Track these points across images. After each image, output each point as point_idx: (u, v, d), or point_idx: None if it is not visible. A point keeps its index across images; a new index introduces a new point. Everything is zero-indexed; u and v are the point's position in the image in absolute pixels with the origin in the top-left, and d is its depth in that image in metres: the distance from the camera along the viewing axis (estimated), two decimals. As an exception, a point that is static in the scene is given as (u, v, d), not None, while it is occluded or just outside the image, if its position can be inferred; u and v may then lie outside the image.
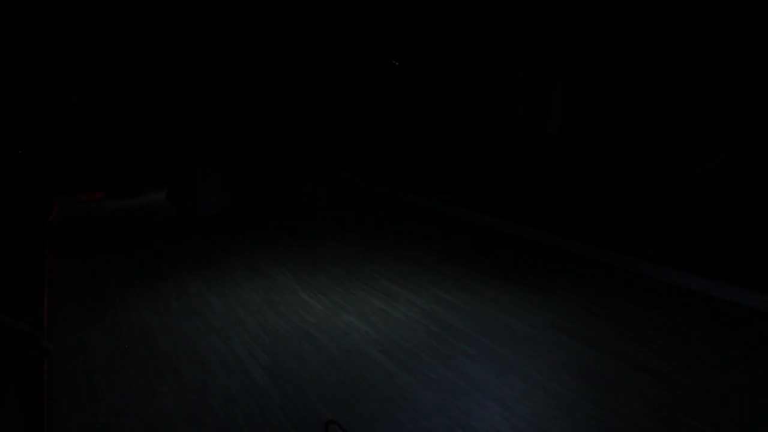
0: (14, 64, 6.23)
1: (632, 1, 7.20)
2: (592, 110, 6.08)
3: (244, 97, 7.48)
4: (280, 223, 7.08)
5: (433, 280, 5.10)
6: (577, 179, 6.12)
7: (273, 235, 6.56)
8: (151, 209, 8.07)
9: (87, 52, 7.53)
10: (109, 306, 4.68)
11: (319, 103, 7.82)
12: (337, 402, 3.24)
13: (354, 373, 3.55)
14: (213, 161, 6.48)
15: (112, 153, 6.85)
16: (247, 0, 8.93)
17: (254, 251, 5.99)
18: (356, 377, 3.50)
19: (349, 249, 6.04)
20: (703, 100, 5.06)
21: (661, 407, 3.13)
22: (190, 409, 3.22)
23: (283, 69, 8.06)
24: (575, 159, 6.06)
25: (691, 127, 5.08)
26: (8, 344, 2.94)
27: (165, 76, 7.35)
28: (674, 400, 3.19)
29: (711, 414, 3.06)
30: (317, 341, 3.99)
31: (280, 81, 7.92)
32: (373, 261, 5.63)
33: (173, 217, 7.05)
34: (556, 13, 8.00)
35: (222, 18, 8.70)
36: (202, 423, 3.09)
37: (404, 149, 8.49)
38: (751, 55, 5.10)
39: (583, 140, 6.05)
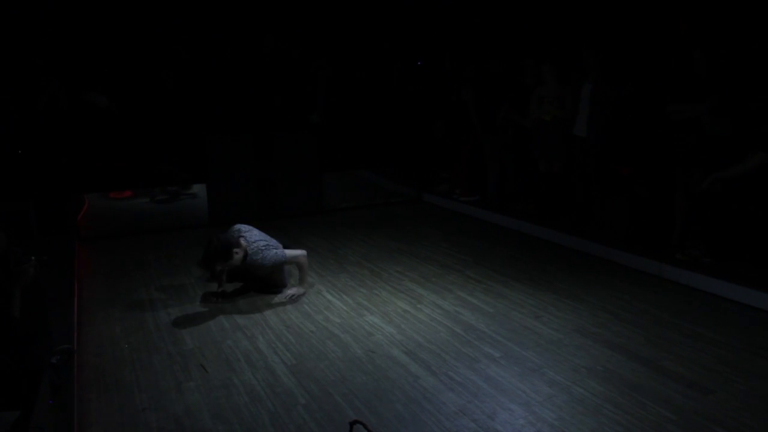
0: (51, 69, 6.37)
1: (662, 1, 7.11)
2: (620, 112, 6.00)
3: (269, 98, 7.54)
4: (304, 223, 7.13)
5: (457, 282, 5.09)
6: (605, 182, 6.04)
7: (297, 235, 6.59)
8: (178, 208, 8.18)
9: (114, 54, 7.68)
10: (137, 303, 4.76)
11: (343, 104, 7.85)
12: (361, 402, 3.25)
13: (378, 374, 3.55)
14: None
15: (140, 152, 6.95)
16: (272, 4, 9.03)
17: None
18: (380, 378, 3.51)
19: (373, 250, 6.05)
20: (735, 101, 4.96)
21: (689, 415, 3.07)
22: (215, 405, 3.26)
23: (306, 69, 8.10)
24: (603, 162, 5.99)
25: (723, 129, 4.99)
26: (42, 339, 3.01)
27: (192, 79, 7.44)
28: (703, 408, 3.13)
29: (741, 423, 3.00)
30: (341, 341, 4.00)
31: (304, 81, 7.97)
32: (397, 262, 5.64)
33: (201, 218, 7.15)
34: (584, 13, 7.92)
35: (246, 19, 8.80)
36: (227, 419, 3.12)
37: (428, 151, 8.48)
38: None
39: (611, 143, 5.97)
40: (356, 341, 4.00)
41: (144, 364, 3.74)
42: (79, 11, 7.99)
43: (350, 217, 7.43)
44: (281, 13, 9.06)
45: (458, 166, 7.83)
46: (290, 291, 4.83)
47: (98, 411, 3.22)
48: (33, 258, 2.88)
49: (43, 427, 1.92)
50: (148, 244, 6.38)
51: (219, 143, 7.07)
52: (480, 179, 7.66)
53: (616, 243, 5.67)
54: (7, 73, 6.53)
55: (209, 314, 4.51)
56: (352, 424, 2.89)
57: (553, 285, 4.98)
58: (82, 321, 4.39)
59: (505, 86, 6.95)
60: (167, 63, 7.38)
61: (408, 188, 8.61)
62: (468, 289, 4.93)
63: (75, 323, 4.21)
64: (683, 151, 5.24)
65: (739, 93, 4.93)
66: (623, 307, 4.50)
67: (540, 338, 3.99)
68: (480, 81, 7.42)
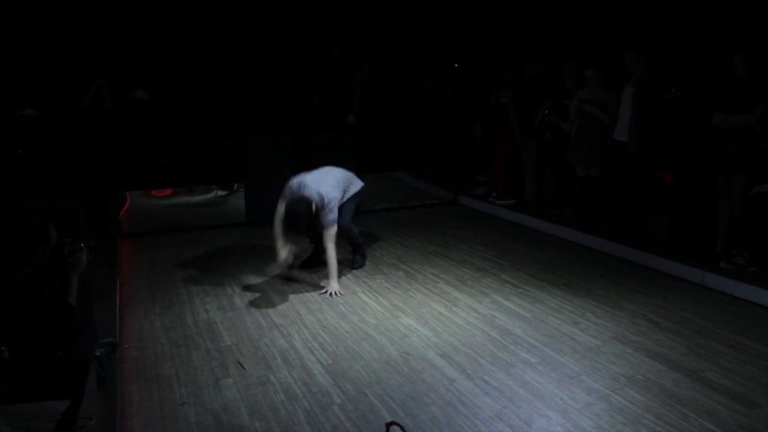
0: (99, 68, 6.52)
1: (707, 4, 6.95)
2: (664, 118, 5.88)
3: (307, 98, 7.60)
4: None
5: (493, 286, 5.05)
6: (645, 187, 5.92)
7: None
8: (217, 206, 8.32)
9: (156, 55, 7.85)
10: (176, 299, 4.85)
11: (381, 106, 7.86)
12: (396, 404, 3.25)
13: (413, 376, 3.55)
14: None
15: (180, 151, 7.07)
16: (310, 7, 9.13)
17: (315, 251, 6.07)
18: (415, 380, 3.51)
19: (408, 252, 6.04)
20: None
21: (734, 429, 2.99)
22: (252, 402, 3.30)
23: (345, 70, 8.15)
24: (643, 167, 5.87)
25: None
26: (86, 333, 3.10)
27: (231, 80, 7.55)
28: (749, 423, 3.04)
29: (789, 438, 2.91)
30: (376, 342, 4.01)
31: (342, 82, 8.02)
32: (433, 265, 5.62)
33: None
34: (629, 17, 7.79)
35: (285, 21, 8.90)
36: (263, 416, 3.16)
37: (465, 153, 8.43)
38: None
39: (653, 148, 5.85)
40: (391, 343, 4.01)
41: (183, 360, 3.81)
42: (122, 13, 8.22)
43: (386, 219, 7.43)
44: (320, 15, 9.14)
45: (496, 169, 7.78)
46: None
47: (139, 404, 3.29)
48: (83, 245, 2.97)
49: (91, 416, 1.99)
50: (187, 242, 6.49)
51: (257, 143, 7.15)
52: (517, 183, 7.59)
53: (657, 250, 5.55)
54: (54, 75, 6.73)
55: (246, 312, 4.57)
56: (389, 425, 2.89)
57: (591, 291, 4.90)
58: (123, 315, 4.50)
59: (544, 89, 6.87)
60: (207, 64, 7.51)
61: (444, 191, 8.58)
62: (504, 293, 4.88)
63: (117, 317, 4.32)
64: (727, 158, 5.11)
65: None
66: (664, 316, 4.40)
67: (578, 345, 3.94)
68: (519, 84, 7.35)
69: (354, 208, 5.48)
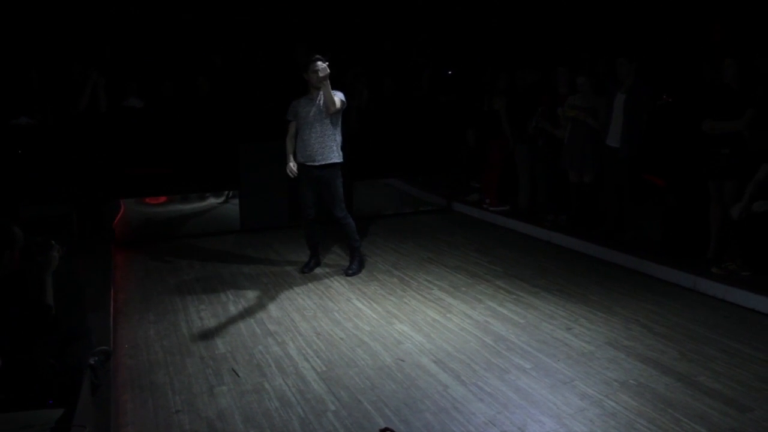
0: (96, 70, 6.50)
1: (698, 11, 7.02)
2: (653, 123, 5.93)
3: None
4: (334, 230, 7.17)
5: (486, 292, 5.07)
6: (637, 193, 5.96)
7: (326, 242, 6.63)
8: (211, 214, 8.32)
9: (152, 61, 7.86)
10: (171, 307, 4.85)
11: (374, 113, 7.89)
12: (391, 410, 3.26)
13: (407, 383, 3.56)
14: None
15: (175, 159, 7.07)
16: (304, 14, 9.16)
17: (309, 258, 6.08)
18: (409, 386, 3.52)
19: (402, 258, 6.06)
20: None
21: (726, 432, 3.02)
22: (246, 409, 3.31)
23: (339, 78, 8.17)
24: (635, 172, 5.91)
25: (765, 142, 4.88)
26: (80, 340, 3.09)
27: (226, 87, 7.57)
28: (741, 427, 3.06)
29: (780, 442, 2.93)
30: (371, 349, 4.02)
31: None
32: (427, 271, 5.64)
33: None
34: (621, 23, 7.86)
35: (279, 28, 8.93)
36: (258, 424, 3.16)
37: (459, 160, 8.46)
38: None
39: (644, 153, 5.90)
40: (386, 349, 4.02)
41: (177, 367, 3.81)
42: (115, 21, 8.23)
43: (380, 226, 7.45)
44: (313, 22, 9.18)
45: (489, 176, 7.81)
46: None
47: (133, 412, 3.29)
48: (53, 242, 2.88)
49: (85, 425, 1.99)
50: (182, 249, 6.49)
51: (251, 150, 7.16)
52: (511, 189, 7.62)
53: (650, 255, 5.58)
54: (48, 82, 6.73)
55: (241, 319, 4.57)
56: (382, 431, 2.90)
57: (584, 297, 4.93)
58: (117, 323, 4.50)
59: (537, 96, 6.91)
60: (201, 71, 7.52)
61: (438, 197, 8.61)
62: (498, 299, 4.90)
63: (111, 325, 4.31)
64: (717, 164, 5.15)
65: None
66: (656, 321, 4.42)
67: (571, 350, 3.95)
68: (513, 90, 7.39)
69: (341, 191, 5.50)
